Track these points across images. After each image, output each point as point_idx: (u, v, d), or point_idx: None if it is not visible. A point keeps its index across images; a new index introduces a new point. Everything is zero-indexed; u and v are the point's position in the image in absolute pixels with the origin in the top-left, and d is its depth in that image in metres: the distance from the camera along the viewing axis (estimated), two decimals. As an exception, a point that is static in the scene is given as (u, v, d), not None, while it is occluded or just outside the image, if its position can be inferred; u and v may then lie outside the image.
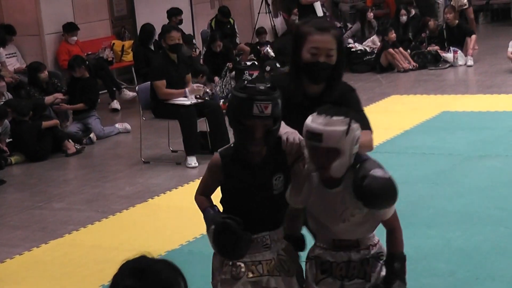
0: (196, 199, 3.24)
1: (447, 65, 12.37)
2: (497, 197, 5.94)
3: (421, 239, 5.18)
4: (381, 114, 9.30)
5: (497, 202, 5.83)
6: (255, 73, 11.22)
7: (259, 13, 14.97)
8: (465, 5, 14.28)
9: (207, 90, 8.67)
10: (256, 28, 14.12)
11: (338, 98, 3.23)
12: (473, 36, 12.49)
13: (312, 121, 2.83)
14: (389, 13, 15.96)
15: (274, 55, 12.78)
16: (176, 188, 7.07)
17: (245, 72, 11.59)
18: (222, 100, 10.53)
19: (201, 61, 12.06)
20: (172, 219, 6.28)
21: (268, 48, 12.99)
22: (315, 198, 2.99)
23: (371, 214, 2.93)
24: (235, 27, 13.56)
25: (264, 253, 3.08)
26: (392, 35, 12.59)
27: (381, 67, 12.47)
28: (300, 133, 2.99)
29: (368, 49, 13.02)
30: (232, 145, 3.16)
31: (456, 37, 12.53)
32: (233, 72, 11.53)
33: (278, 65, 10.12)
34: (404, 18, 13.36)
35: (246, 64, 12.01)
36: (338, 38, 3.36)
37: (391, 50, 12.37)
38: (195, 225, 5.97)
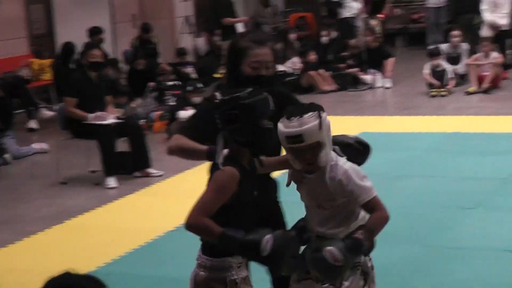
0: (199, 222, 2.90)
1: (366, 87, 12.57)
2: (415, 216, 6.03)
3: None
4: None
5: (414, 221, 5.92)
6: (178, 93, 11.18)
7: (181, 33, 14.96)
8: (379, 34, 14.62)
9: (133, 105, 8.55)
10: (178, 48, 14.08)
11: (282, 103, 3.23)
12: (391, 59, 12.75)
13: (286, 127, 2.99)
14: (310, 34, 16.16)
15: (195, 75, 12.77)
16: (94, 209, 6.93)
17: (167, 92, 11.53)
18: (143, 120, 10.45)
19: (124, 80, 11.94)
20: (90, 240, 6.15)
21: (189, 68, 12.98)
22: (302, 185, 3.17)
23: (349, 204, 3.09)
24: (158, 46, 13.49)
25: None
26: (312, 56, 12.73)
27: (302, 88, 12.58)
28: None
29: (289, 70, 13.13)
30: (227, 158, 3.01)
31: (375, 59, 12.76)
32: (155, 93, 11.46)
33: (200, 85, 10.09)
34: (325, 40, 13.53)
35: (168, 84, 11.96)
36: (274, 50, 3.42)
37: (311, 72, 12.50)
38: (113, 246, 5.89)
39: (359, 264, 3.10)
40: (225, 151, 3.05)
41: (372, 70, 12.64)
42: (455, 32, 12.27)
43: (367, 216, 3.12)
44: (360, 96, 12.09)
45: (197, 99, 9.76)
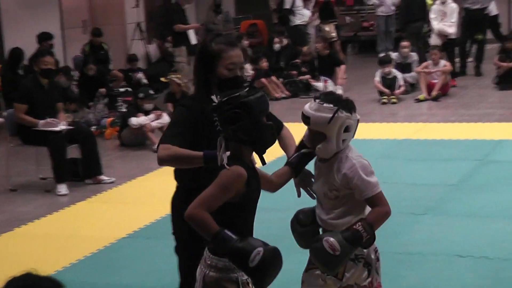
0: (198, 214, 2.90)
1: (318, 93, 12.61)
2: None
3: (295, 264, 5.23)
4: (254, 141, 9.42)
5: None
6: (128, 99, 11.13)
7: (132, 39, 14.90)
8: (334, 38, 14.75)
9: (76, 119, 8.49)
10: (129, 54, 14.02)
11: None
12: (342, 66, 12.87)
13: (308, 105, 3.18)
14: (262, 41, 16.22)
15: (147, 82, 12.72)
16: (45, 216, 6.86)
17: (119, 98, 11.48)
18: (94, 127, 10.38)
19: (75, 86, 11.85)
20: (41, 248, 6.09)
21: (140, 74, 12.93)
22: (317, 172, 3.34)
23: (349, 196, 3.20)
24: (109, 53, 13.40)
25: None
26: (264, 63, 12.79)
27: (254, 95, 12.61)
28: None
29: (241, 77, 13.15)
30: (231, 158, 3.03)
31: (326, 66, 12.86)
32: (106, 99, 11.40)
33: (151, 91, 10.07)
34: (277, 47, 13.59)
35: (119, 90, 11.90)
36: (244, 50, 3.47)
37: (263, 79, 12.55)
38: (65, 254, 5.84)
39: (361, 256, 3.20)
40: (227, 153, 3.06)
41: (323, 77, 12.73)
42: (405, 43, 12.45)
43: None
44: (311, 103, 12.13)
45: (149, 106, 9.74)
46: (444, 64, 11.81)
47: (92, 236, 6.28)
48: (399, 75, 11.80)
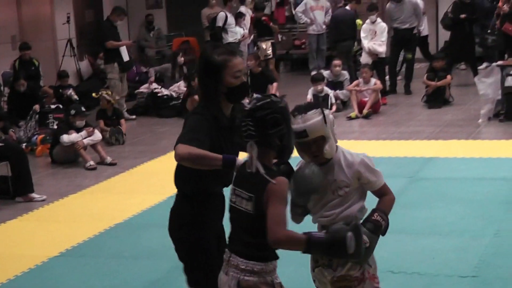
0: (284, 236, 3.06)
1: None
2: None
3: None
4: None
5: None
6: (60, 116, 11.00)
7: (63, 56, 14.74)
8: (270, 55, 14.88)
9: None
10: (59, 71, 13.86)
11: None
12: (275, 84, 12.98)
13: (292, 123, 3.28)
14: (195, 59, 16.23)
15: (77, 98, 12.59)
16: (-26, 236, 6.74)
17: (49, 115, 11.33)
18: (25, 144, 10.23)
19: (4, 103, 11.65)
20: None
21: (71, 91, 12.79)
22: None
23: (355, 189, 3.44)
24: (40, 69, 13.22)
25: None
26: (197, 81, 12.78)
27: (187, 112, 12.61)
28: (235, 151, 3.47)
29: (174, 94, 13.15)
30: (266, 168, 3.16)
31: (259, 84, 12.94)
32: (37, 116, 11.23)
33: (83, 108, 9.98)
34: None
35: (50, 107, 11.75)
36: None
37: (196, 96, 12.55)
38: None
39: None
40: (241, 159, 3.30)
41: (255, 94, 12.79)
42: (336, 62, 12.63)
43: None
44: (244, 121, 12.18)
45: (80, 123, 9.65)
46: (374, 82, 12.03)
47: (24, 255, 6.18)
48: (331, 93, 11.96)
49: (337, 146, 3.45)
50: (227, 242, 3.35)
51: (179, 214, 3.70)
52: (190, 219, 3.65)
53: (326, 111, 3.37)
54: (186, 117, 3.70)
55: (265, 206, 3.10)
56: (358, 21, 14.27)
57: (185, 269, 3.73)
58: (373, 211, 3.41)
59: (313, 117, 3.31)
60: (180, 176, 3.69)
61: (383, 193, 3.49)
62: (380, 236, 3.44)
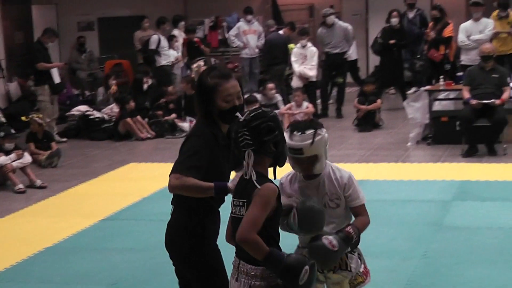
0: (251, 238, 3.20)
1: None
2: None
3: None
4: (120, 181, 9.33)
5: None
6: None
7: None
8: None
9: None
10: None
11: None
12: (208, 107, 12.98)
13: (290, 139, 3.59)
14: (127, 81, 16.15)
15: (5, 120, 12.38)
16: None
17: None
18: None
19: None
20: None
21: (-1, 113, 12.57)
22: (301, 188, 3.73)
23: (344, 207, 3.75)
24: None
25: None
26: (132, 104, 12.73)
27: (119, 135, 12.53)
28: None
29: (106, 116, 13.04)
30: (258, 175, 3.32)
31: (192, 106, 12.89)
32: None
33: (12, 131, 9.80)
34: (145, 87, 13.56)
35: (-22, 129, 11.51)
36: (239, 78, 3.65)
37: (129, 119, 12.48)
38: None
39: (355, 251, 3.76)
40: (232, 184, 3.53)
41: (189, 118, 12.81)
42: (270, 85, 12.73)
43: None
44: (177, 143, 12.12)
45: (9, 145, 9.48)
46: (307, 106, 12.16)
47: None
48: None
49: (326, 162, 3.73)
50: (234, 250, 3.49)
51: (186, 226, 3.72)
52: (200, 230, 3.71)
53: (323, 131, 3.64)
54: (185, 138, 3.78)
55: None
56: (291, 46, 14.42)
57: (198, 279, 3.75)
58: (348, 225, 3.65)
59: (310, 137, 3.60)
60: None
61: (361, 213, 3.75)
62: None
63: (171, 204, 3.83)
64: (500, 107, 9.94)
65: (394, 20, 13.79)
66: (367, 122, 12.19)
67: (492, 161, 9.62)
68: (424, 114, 10.88)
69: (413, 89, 13.62)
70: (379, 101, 12.46)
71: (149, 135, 12.60)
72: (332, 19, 13.70)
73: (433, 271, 5.73)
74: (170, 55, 14.42)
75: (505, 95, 10.00)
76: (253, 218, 3.22)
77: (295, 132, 3.61)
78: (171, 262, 3.86)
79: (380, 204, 7.56)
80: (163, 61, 14.26)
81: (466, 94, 10.12)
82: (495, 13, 13.19)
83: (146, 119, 12.95)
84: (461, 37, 12.56)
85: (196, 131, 3.75)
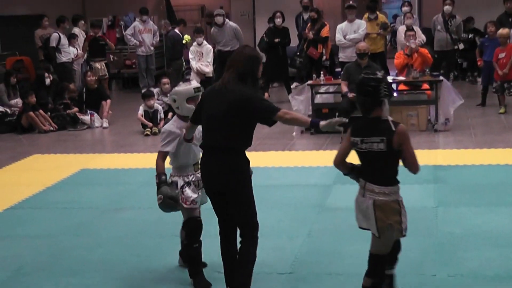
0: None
1: (85, 126, 12.47)
2: (133, 245, 6.08)
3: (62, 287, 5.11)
4: (23, 172, 9.03)
5: (133, 250, 5.96)
6: None
7: None
8: (106, 75, 14.67)
9: None
10: None
11: None
12: (108, 100, 12.79)
13: None
14: (29, 77, 15.65)
15: None
16: None
17: None
18: None
19: None
20: None
21: None
22: None
23: None
24: None
25: None
26: (33, 98, 12.38)
27: (22, 128, 12.16)
28: None
29: (9, 110, 12.62)
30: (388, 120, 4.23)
31: (93, 101, 12.72)
32: None
33: None
34: (47, 81, 13.19)
35: None
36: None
37: (31, 113, 12.13)
38: None
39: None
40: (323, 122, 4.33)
41: (90, 111, 12.59)
42: (165, 80, 12.60)
43: None
44: (79, 136, 11.94)
45: None
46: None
47: None
48: (160, 108, 11.92)
49: None
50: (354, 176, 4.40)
51: (242, 164, 4.53)
52: (247, 166, 4.57)
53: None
54: (249, 99, 4.44)
55: (397, 145, 4.10)
56: (186, 37, 14.50)
57: (241, 198, 4.55)
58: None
59: None
60: (244, 137, 4.52)
61: None
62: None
63: (220, 149, 4.49)
64: (374, 99, 10.18)
65: (278, 21, 13.95)
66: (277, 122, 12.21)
67: (367, 148, 9.85)
68: (307, 106, 11.04)
69: (295, 84, 13.84)
70: (266, 94, 12.57)
71: (51, 128, 12.27)
72: (220, 19, 13.72)
73: (317, 249, 5.83)
74: (70, 52, 14.12)
75: (378, 89, 10.24)
76: (413, 151, 4.13)
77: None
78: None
79: (268, 189, 7.63)
80: (63, 58, 13.96)
81: (344, 88, 10.33)
82: (366, 15, 13.57)
83: (49, 113, 12.60)
84: (338, 37, 12.85)
85: (253, 93, 4.52)
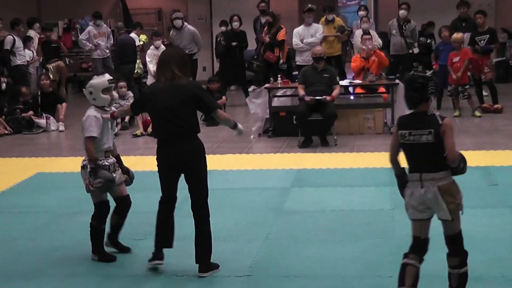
0: (459, 154, 4.47)
1: (41, 130, 12.33)
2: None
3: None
4: (-23, 177, 8.90)
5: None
6: None
7: None
8: (63, 78, 14.57)
9: None
10: None
11: None
12: (64, 104, 12.68)
13: None
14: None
15: None
16: None
17: None
18: None
19: None
20: None
21: None
22: None
23: None
24: None
25: None
26: (-13, 101, 12.20)
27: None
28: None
29: (-38, 114, 12.42)
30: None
31: (49, 104, 12.59)
32: None
33: None
34: (3, 86, 13.01)
35: None
36: None
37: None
38: None
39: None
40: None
41: (46, 114, 12.46)
42: (121, 83, 12.49)
43: None
44: (35, 139, 11.80)
45: None
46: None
47: None
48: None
49: None
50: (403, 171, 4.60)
51: (200, 145, 5.29)
52: (204, 148, 5.34)
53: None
54: (198, 93, 5.27)
55: (442, 135, 4.37)
56: (143, 36, 14.51)
57: (199, 175, 5.25)
58: None
59: None
60: (196, 123, 5.27)
61: None
62: None
63: (179, 135, 5.17)
64: (331, 103, 10.27)
65: (235, 24, 13.97)
66: (213, 117, 12.19)
67: (324, 151, 9.93)
68: (264, 109, 11.08)
69: (252, 87, 13.85)
70: (224, 97, 12.55)
71: (6, 132, 12.10)
72: (179, 22, 13.71)
73: (275, 252, 5.85)
74: (25, 55, 13.94)
75: (335, 92, 10.35)
76: (454, 142, 4.38)
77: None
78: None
79: (226, 192, 7.63)
80: (18, 61, 13.80)
81: (301, 91, 10.39)
82: (323, 18, 13.67)
83: (3, 117, 12.42)
84: (295, 40, 12.92)
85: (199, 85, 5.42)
